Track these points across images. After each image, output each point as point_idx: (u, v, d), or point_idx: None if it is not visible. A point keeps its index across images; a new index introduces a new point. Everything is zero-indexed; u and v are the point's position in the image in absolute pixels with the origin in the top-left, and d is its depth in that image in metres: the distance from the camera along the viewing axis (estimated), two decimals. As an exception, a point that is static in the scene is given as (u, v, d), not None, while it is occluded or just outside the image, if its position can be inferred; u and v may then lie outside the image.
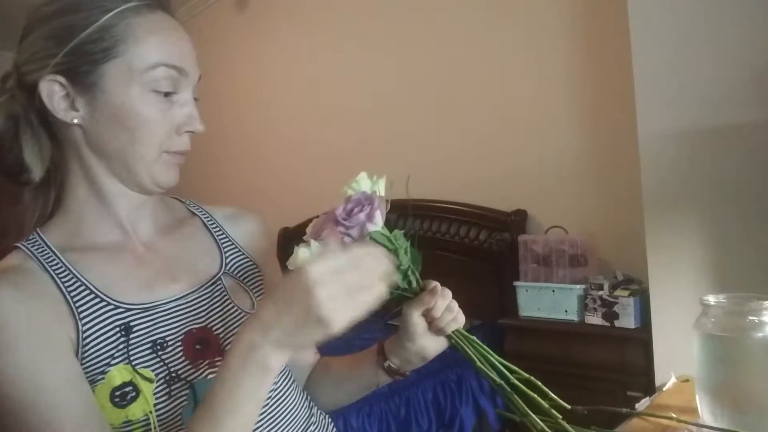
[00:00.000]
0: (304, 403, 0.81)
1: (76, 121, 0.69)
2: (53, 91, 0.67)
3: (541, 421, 0.72)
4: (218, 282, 0.77)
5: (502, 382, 0.73)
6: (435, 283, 0.74)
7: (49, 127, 0.72)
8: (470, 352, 0.74)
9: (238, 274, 0.81)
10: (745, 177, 1.32)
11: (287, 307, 0.56)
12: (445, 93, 2.70)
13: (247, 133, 3.75)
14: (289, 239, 3.28)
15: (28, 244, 0.70)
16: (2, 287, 0.63)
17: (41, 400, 0.59)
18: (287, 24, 3.46)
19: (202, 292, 0.75)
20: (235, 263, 0.81)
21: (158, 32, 0.69)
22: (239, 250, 0.83)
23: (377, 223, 0.68)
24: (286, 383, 0.79)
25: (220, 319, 0.74)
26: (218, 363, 0.70)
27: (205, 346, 0.71)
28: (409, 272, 0.72)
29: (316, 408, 0.84)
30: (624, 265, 2.04)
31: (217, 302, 0.75)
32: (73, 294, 0.67)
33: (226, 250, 0.82)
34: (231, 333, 0.74)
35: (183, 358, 0.69)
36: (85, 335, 0.65)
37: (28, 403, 0.59)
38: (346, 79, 3.14)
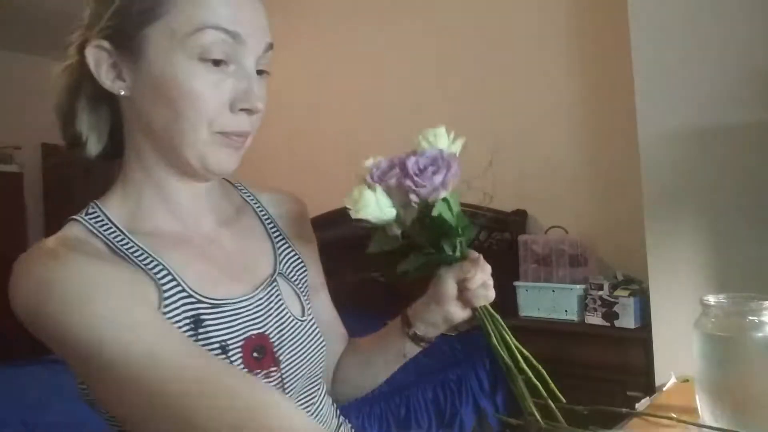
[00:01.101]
0: (332, 412, 0.78)
1: (123, 92, 0.62)
2: (100, 59, 0.61)
3: (538, 410, 0.71)
4: (274, 284, 0.71)
5: (511, 363, 0.73)
6: (478, 255, 0.72)
7: (108, 99, 0.65)
8: (490, 329, 0.74)
9: (290, 275, 0.75)
10: (745, 177, 1.32)
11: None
12: (446, 92, 2.70)
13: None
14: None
15: (88, 217, 0.63)
16: (74, 253, 0.56)
17: (141, 331, 0.52)
18: (289, 23, 3.46)
19: (261, 295, 0.69)
20: (286, 260, 0.76)
21: None
22: (290, 246, 0.78)
23: (448, 191, 0.65)
24: (320, 395, 0.76)
25: (276, 325, 0.69)
26: (273, 374, 0.66)
27: (262, 354, 0.66)
28: (458, 239, 0.69)
29: (343, 418, 0.81)
30: (624, 265, 2.04)
31: (273, 307, 0.69)
32: (152, 270, 0.61)
33: (278, 245, 0.76)
34: (284, 341, 0.69)
35: (242, 366, 0.63)
36: (164, 312, 0.59)
37: (127, 339, 0.51)
38: (351, 76, 3.14)
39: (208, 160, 0.62)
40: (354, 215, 0.67)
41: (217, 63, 0.60)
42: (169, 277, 0.61)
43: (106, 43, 0.60)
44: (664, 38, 1.44)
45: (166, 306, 0.59)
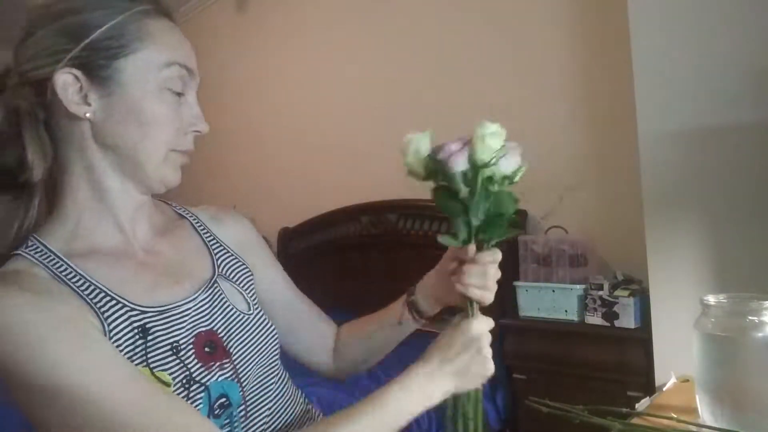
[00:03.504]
0: (299, 398, 0.84)
1: (87, 115, 0.69)
2: (67, 84, 0.68)
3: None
4: (215, 285, 0.78)
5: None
6: (492, 253, 0.76)
7: (50, 127, 0.71)
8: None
9: (231, 276, 0.82)
10: (745, 177, 1.32)
11: (462, 348, 0.72)
12: (446, 92, 2.69)
13: (247, 133, 3.75)
14: (289, 239, 3.28)
15: (29, 250, 0.68)
16: (12, 291, 0.61)
17: (88, 378, 0.58)
18: (287, 23, 3.46)
19: (204, 296, 0.76)
20: (226, 265, 0.83)
21: (170, 34, 0.73)
22: (228, 251, 0.85)
23: (458, 167, 0.73)
24: (282, 382, 0.82)
25: (222, 321, 0.75)
26: (226, 365, 0.72)
27: (213, 349, 0.72)
28: (463, 220, 0.73)
29: (311, 405, 0.87)
30: (624, 265, 2.04)
31: (217, 305, 0.76)
32: (90, 296, 0.66)
33: (216, 252, 0.83)
34: (232, 335, 0.75)
35: (196, 361, 0.69)
36: (110, 335, 0.65)
37: (78, 384, 0.57)
38: (346, 79, 3.13)
39: (164, 175, 0.73)
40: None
41: (178, 94, 0.72)
42: (108, 298, 0.67)
43: (76, 71, 0.68)
44: (664, 38, 1.44)
45: (111, 328, 0.65)
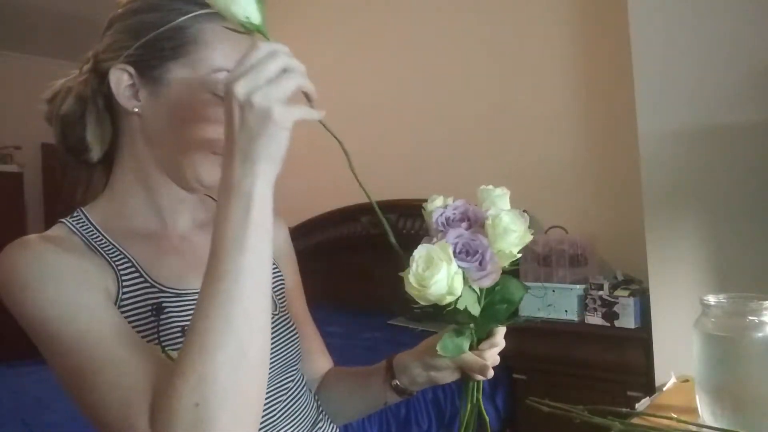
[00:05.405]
0: (312, 405, 0.82)
1: (136, 110, 0.72)
2: (121, 79, 0.71)
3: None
4: None
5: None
6: (495, 339, 0.71)
7: (112, 114, 0.75)
8: (469, 398, 0.72)
9: None
10: (744, 177, 1.32)
11: (231, 122, 0.57)
12: (445, 93, 2.70)
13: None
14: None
15: (72, 220, 0.72)
16: (47, 243, 0.65)
17: (81, 315, 0.61)
18: (287, 23, 3.46)
19: None
20: None
21: (226, 40, 0.72)
22: None
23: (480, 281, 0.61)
24: (298, 385, 0.80)
25: None
26: None
27: None
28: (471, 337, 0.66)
29: (324, 413, 0.85)
30: (624, 265, 2.04)
31: None
32: (116, 262, 0.69)
33: None
34: None
35: None
36: (123, 301, 0.67)
37: (69, 318, 0.60)
38: (345, 79, 3.13)
39: (202, 175, 0.73)
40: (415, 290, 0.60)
41: (222, 99, 0.69)
42: (132, 269, 0.70)
43: (130, 68, 0.71)
44: (664, 38, 1.44)
45: (126, 294, 0.67)
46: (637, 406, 1.03)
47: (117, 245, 0.71)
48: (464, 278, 0.61)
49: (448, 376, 0.76)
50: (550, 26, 2.36)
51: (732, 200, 1.33)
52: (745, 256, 1.31)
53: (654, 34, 1.46)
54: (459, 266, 0.60)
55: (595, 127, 2.26)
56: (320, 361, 0.92)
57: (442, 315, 0.63)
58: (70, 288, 0.62)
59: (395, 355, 0.82)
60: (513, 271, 0.63)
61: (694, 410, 0.88)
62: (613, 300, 1.89)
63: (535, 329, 2.05)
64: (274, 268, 0.83)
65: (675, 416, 0.89)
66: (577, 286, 2.00)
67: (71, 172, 0.78)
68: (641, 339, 1.75)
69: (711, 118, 1.36)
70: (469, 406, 0.71)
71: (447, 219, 0.65)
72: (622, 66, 1.72)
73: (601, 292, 1.92)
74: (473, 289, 0.62)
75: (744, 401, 0.81)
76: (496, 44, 2.52)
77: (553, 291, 2.04)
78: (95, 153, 0.76)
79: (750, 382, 0.81)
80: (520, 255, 0.64)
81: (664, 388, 1.16)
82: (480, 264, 0.60)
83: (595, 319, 1.93)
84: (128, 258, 0.70)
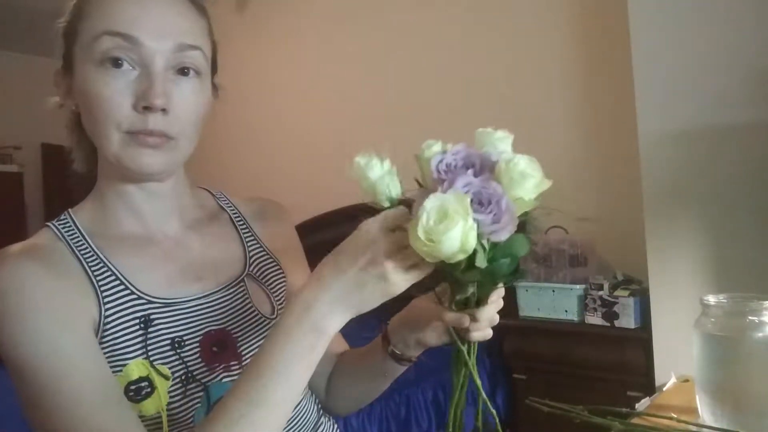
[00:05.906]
0: (313, 408, 0.80)
1: (73, 108, 0.69)
2: (58, 81, 0.70)
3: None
4: (241, 284, 0.75)
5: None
6: (495, 299, 0.64)
7: None
8: (462, 361, 0.68)
9: (261, 277, 0.79)
10: (745, 177, 1.32)
11: (349, 261, 0.54)
12: (445, 92, 2.69)
13: (246, 133, 3.75)
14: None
15: (59, 224, 0.69)
16: (27, 261, 0.62)
17: (59, 363, 0.58)
18: (287, 23, 3.46)
19: (224, 293, 0.73)
20: (258, 264, 0.79)
21: (107, 2, 0.65)
22: (263, 251, 0.81)
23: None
24: None
25: (239, 321, 0.73)
26: (234, 367, 0.69)
27: (222, 349, 0.70)
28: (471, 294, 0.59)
29: (324, 413, 0.83)
30: (624, 265, 2.04)
31: (238, 304, 0.73)
32: (98, 277, 0.66)
33: (250, 249, 0.80)
34: (248, 337, 0.73)
35: (199, 359, 0.68)
36: (106, 320, 0.64)
37: (46, 365, 0.58)
38: (346, 78, 3.13)
39: (123, 161, 0.65)
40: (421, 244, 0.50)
41: (117, 66, 0.63)
42: (117, 282, 0.66)
43: (60, 65, 0.69)
44: (664, 38, 1.44)
45: (109, 311, 0.64)
46: (637, 406, 1.03)
47: (102, 255, 0.67)
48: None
49: (434, 339, 0.71)
50: (550, 26, 2.36)
51: (732, 200, 1.33)
52: (745, 256, 1.31)
53: (654, 34, 1.46)
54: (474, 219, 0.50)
55: (595, 127, 2.26)
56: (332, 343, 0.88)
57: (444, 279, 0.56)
58: (49, 325, 0.59)
59: (389, 322, 0.78)
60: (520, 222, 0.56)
61: (694, 410, 0.88)
62: (613, 300, 1.89)
63: (535, 329, 2.05)
64: (276, 268, 0.81)
65: (675, 416, 0.89)
66: (577, 286, 2.00)
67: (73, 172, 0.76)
68: (641, 339, 1.75)
69: (711, 118, 1.36)
70: (463, 371, 0.65)
71: (448, 165, 0.57)
72: (622, 66, 1.72)
73: (601, 292, 1.92)
74: (482, 244, 0.53)
75: (744, 401, 0.81)
76: (495, 44, 2.52)
77: (553, 291, 2.04)
78: (78, 163, 0.74)
79: (750, 382, 0.81)
80: (537, 204, 0.57)
81: (664, 388, 1.15)
82: (495, 215, 0.53)
83: (595, 319, 1.93)
84: (112, 270, 0.67)
